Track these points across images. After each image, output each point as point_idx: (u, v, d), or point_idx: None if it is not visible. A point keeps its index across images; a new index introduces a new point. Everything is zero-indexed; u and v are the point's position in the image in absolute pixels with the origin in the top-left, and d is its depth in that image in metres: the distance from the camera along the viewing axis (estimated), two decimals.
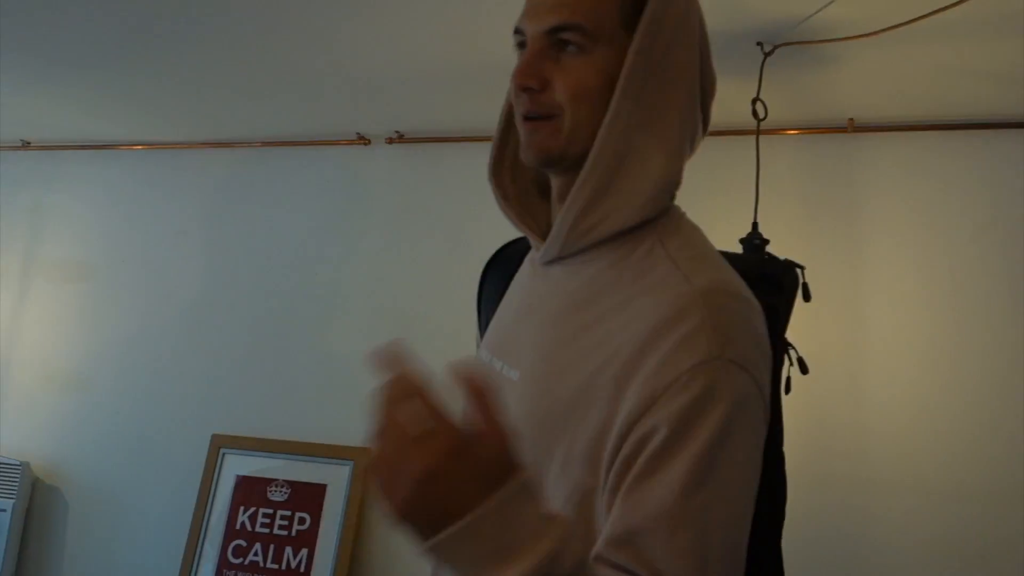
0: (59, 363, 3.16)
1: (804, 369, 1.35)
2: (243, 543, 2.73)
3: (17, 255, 3.27)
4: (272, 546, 2.70)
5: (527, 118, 0.93)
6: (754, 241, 1.67)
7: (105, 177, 3.20)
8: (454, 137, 2.73)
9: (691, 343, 0.79)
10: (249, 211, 3.04)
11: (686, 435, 0.76)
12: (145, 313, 3.09)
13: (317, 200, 2.96)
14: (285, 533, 2.70)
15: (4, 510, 2.98)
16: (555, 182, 0.98)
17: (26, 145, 3.25)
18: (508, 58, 0.99)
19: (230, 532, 2.76)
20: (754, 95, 1.90)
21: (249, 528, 2.74)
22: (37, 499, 3.07)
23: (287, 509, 2.73)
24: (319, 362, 2.85)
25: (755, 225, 1.77)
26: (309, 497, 2.71)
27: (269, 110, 2.77)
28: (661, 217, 0.92)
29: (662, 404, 0.78)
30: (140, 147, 3.16)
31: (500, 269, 1.15)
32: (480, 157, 1.09)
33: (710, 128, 1.00)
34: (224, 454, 2.84)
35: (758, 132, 1.96)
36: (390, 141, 2.81)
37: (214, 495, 2.81)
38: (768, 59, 1.87)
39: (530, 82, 0.90)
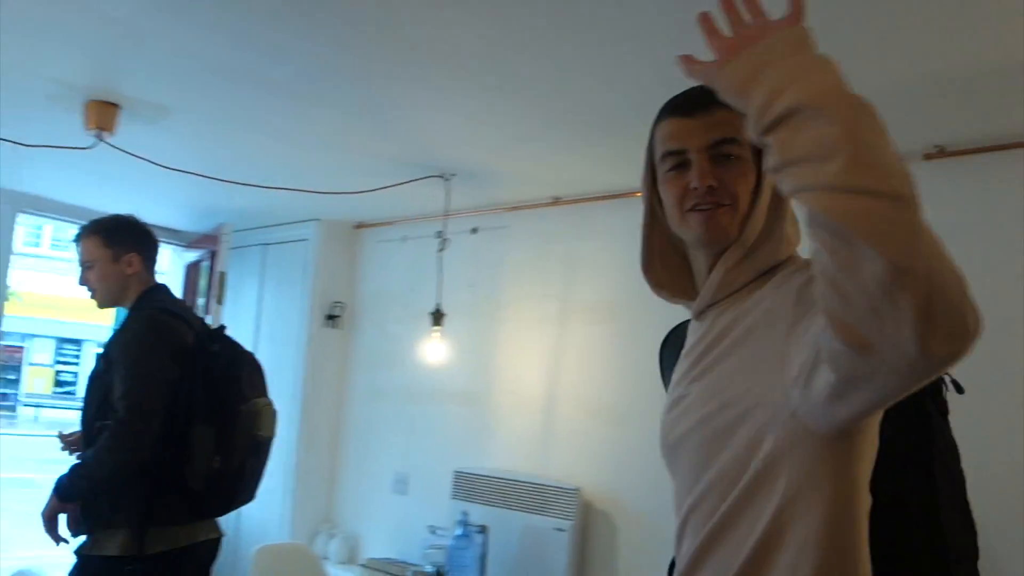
0: (596, 397, 3.44)
1: (960, 389, 1.37)
2: None
3: (555, 300, 3.64)
4: None
5: (701, 210, 1.20)
6: None
7: (628, 223, 3.42)
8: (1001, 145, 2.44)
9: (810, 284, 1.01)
10: None
11: None
12: None
13: None
14: None
15: (564, 530, 3.31)
16: (705, 256, 1.26)
17: (556, 201, 3.62)
18: None
19: None
20: None
21: None
22: (590, 521, 3.37)
23: None
24: None
25: None
26: None
27: None
28: (787, 261, 1.21)
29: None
30: None
31: (674, 345, 1.44)
32: None
33: None
34: None
35: None
36: (928, 157, 2.61)
37: None
38: None
39: (712, 182, 1.18)
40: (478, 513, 3.44)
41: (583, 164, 3.18)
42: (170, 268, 5.42)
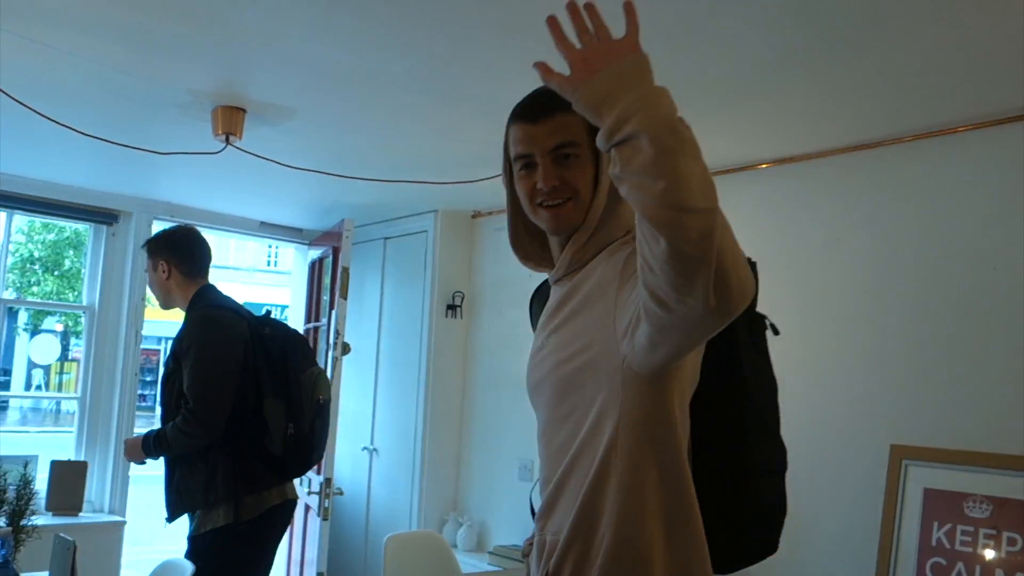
0: None
1: (775, 331, 1.60)
2: (942, 561, 2.58)
3: None
4: (978, 567, 2.50)
5: (548, 207, 1.44)
6: None
7: (751, 195, 3.33)
8: None
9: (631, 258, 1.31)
10: (905, 209, 2.90)
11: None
12: (803, 325, 3.12)
13: (990, 187, 2.71)
14: (994, 554, 2.48)
15: None
16: (557, 239, 1.51)
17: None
18: None
19: (925, 548, 2.63)
20: None
21: (947, 546, 2.58)
22: None
23: (990, 527, 2.51)
24: (1013, 364, 2.57)
25: None
26: (1018, 516, 2.45)
27: (915, 101, 2.62)
28: (618, 240, 1.45)
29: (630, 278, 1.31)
30: (766, 164, 3.25)
31: (540, 299, 1.66)
32: None
33: None
34: (907, 466, 2.73)
35: None
36: None
37: (901, 509, 2.71)
38: None
39: (555, 182, 1.43)
40: None
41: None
42: (294, 267, 5.61)
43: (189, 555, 2.77)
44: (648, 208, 1.10)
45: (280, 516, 2.94)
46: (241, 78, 2.77)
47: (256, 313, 3.08)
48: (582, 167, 1.44)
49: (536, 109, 1.46)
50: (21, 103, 2.79)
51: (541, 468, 1.53)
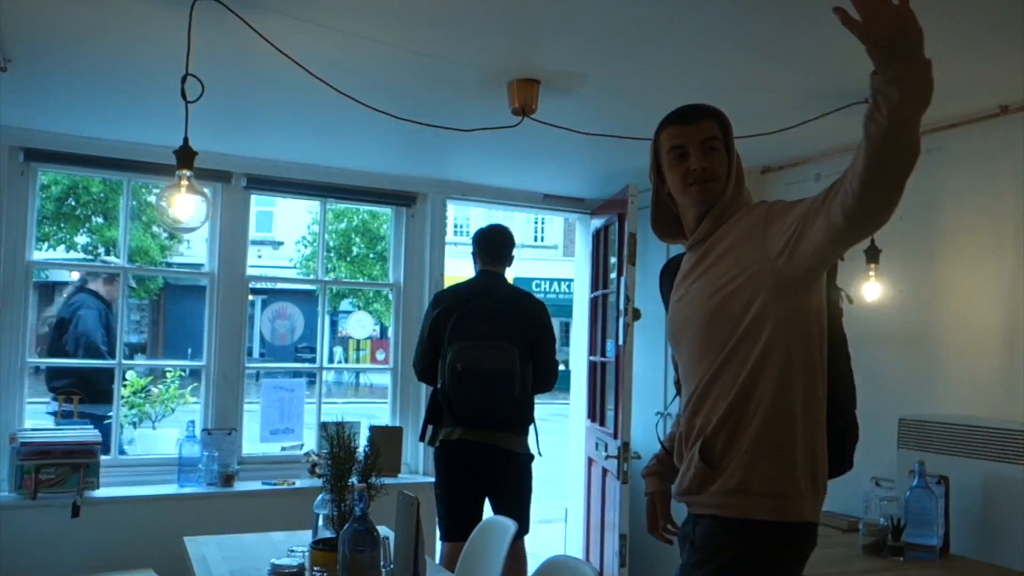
0: None
1: (850, 300, 2.34)
2: None
3: (1011, 223, 3.22)
4: None
5: (697, 184, 1.98)
6: None
7: None
8: None
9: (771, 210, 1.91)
10: None
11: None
12: None
13: None
14: None
15: None
16: (696, 211, 2.03)
17: (1004, 110, 3.20)
18: None
19: None
20: None
21: None
22: None
23: None
24: None
25: None
26: None
27: None
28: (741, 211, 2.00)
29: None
30: None
31: (670, 273, 2.17)
32: None
33: None
34: None
35: None
36: None
37: None
38: None
39: (704, 164, 1.97)
40: (932, 463, 3.16)
41: None
42: (577, 237, 5.69)
43: None
44: (889, 146, 1.55)
45: (449, 449, 3.84)
46: (534, 48, 2.81)
47: (523, 289, 4.22)
48: (721, 157, 2.00)
49: (687, 115, 2.04)
50: (341, 92, 3.00)
51: (685, 389, 2.01)
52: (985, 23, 2.48)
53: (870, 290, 3.35)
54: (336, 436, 2.48)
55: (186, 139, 2.50)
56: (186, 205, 2.50)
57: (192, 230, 2.62)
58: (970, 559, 3.03)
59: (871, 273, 3.34)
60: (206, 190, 2.64)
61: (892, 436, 3.47)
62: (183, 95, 2.44)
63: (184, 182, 2.48)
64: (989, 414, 3.23)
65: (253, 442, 4.69)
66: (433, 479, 4.77)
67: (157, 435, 6.06)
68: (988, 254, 3.30)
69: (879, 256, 3.32)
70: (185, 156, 2.50)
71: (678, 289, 2.03)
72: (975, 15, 2.43)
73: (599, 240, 4.98)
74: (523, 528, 3.72)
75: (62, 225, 16.38)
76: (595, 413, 4.74)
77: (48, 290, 22.69)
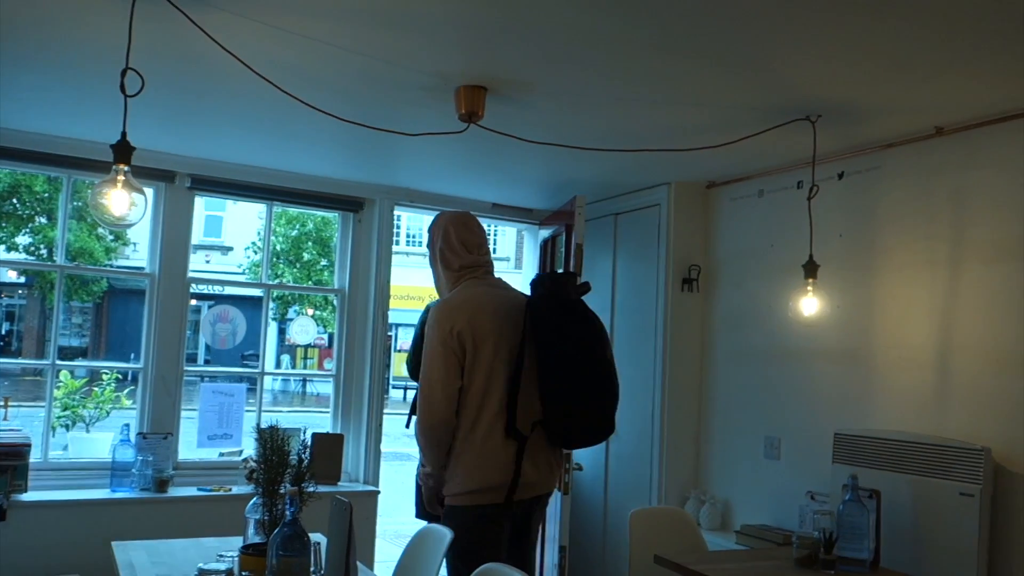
0: (1003, 346, 3.06)
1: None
2: None
3: (944, 241, 3.30)
4: None
5: None
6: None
7: None
8: None
9: None
10: None
11: None
12: None
13: None
14: None
15: (971, 495, 2.99)
16: None
17: (939, 131, 3.27)
18: None
19: None
20: None
21: None
22: (1004, 486, 3.01)
23: None
24: None
25: None
26: None
27: None
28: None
29: None
30: None
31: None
32: None
33: None
34: None
35: None
36: None
37: None
38: None
39: None
40: (866, 477, 3.22)
41: (970, 86, 2.83)
42: (526, 247, 5.70)
43: None
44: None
45: None
46: (482, 55, 2.80)
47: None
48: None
49: None
50: (286, 92, 2.97)
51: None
52: (922, 45, 2.54)
53: (807, 304, 3.40)
54: (269, 439, 2.44)
55: (124, 133, 2.44)
56: (122, 201, 2.45)
57: (129, 225, 2.56)
58: (899, 572, 3.07)
59: (808, 288, 3.39)
60: (148, 189, 2.58)
61: (828, 450, 3.52)
62: (122, 89, 2.39)
63: (121, 177, 2.43)
64: (922, 429, 3.29)
65: (190, 449, 4.60)
66: (374, 487, 4.74)
67: (91, 439, 5.93)
68: (922, 271, 3.38)
69: (817, 271, 3.37)
70: (122, 151, 2.44)
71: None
72: (912, 37, 2.48)
73: (547, 250, 4.99)
74: None
75: (2, 224, 16.01)
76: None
77: None
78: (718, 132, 3.44)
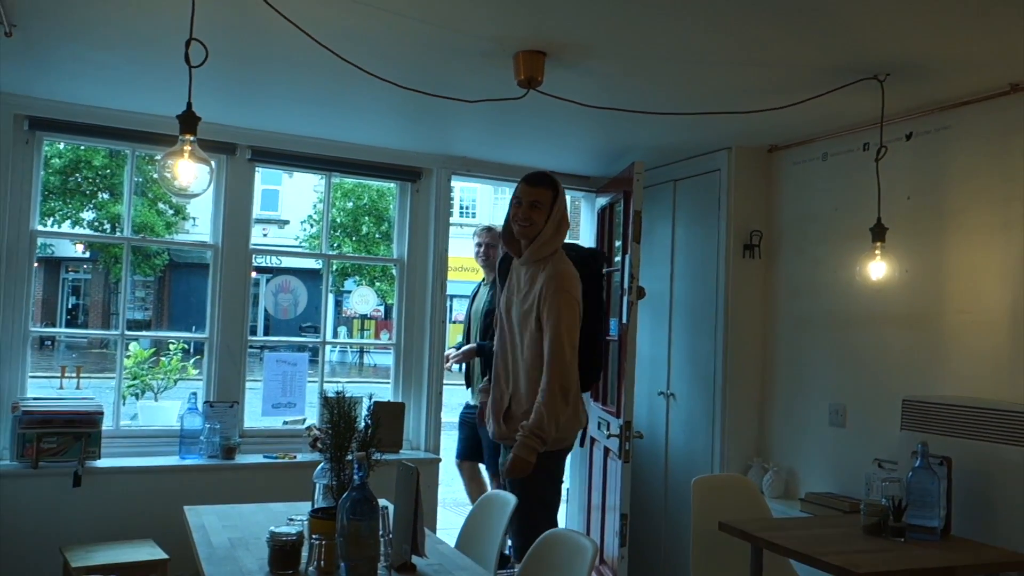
0: None
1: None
2: None
3: (1020, 202, 3.19)
4: None
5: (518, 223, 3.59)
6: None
7: None
8: None
9: (548, 286, 3.47)
10: None
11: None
12: None
13: None
14: None
15: None
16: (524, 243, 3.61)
17: (1015, 88, 3.16)
18: None
19: None
20: None
21: None
22: None
23: None
24: None
25: None
26: None
27: None
28: (554, 254, 3.56)
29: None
30: None
31: (507, 263, 3.78)
32: None
33: None
34: None
35: None
36: None
37: None
38: None
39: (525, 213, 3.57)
40: (935, 444, 3.15)
41: None
42: (582, 216, 5.66)
43: None
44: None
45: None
46: (541, 19, 2.77)
47: None
48: (540, 213, 3.51)
49: (531, 179, 3.58)
50: (346, 60, 2.98)
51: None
52: None
53: (875, 269, 3.32)
54: (336, 405, 2.47)
55: (189, 104, 2.47)
56: (188, 171, 2.48)
57: (195, 196, 2.59)
58: (971, 540, 3.01)
59: (876, 252, 3.31)
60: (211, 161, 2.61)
61: (895, 417, 3.46)
62: (187, 60, 2.42)
63: (188, 147, 2.46)
64: (994, 395, 3.21)
65: (255, 417, 4.69)
66: (435, 455, 4.79)
67: (159, 407, 6.08)
68: (996, 233, 3.27)
69: (885, 234, 3.29)
70: (188, 121, 2.47)
71: (509, 287, 3.69)
72: None
73: (604, 218, 4.95)
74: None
75: (68, 201, 16.39)
76: (597, 392, 4.73)
77: (54, 265, 22.71)
78: (781, 94, 3.37)
